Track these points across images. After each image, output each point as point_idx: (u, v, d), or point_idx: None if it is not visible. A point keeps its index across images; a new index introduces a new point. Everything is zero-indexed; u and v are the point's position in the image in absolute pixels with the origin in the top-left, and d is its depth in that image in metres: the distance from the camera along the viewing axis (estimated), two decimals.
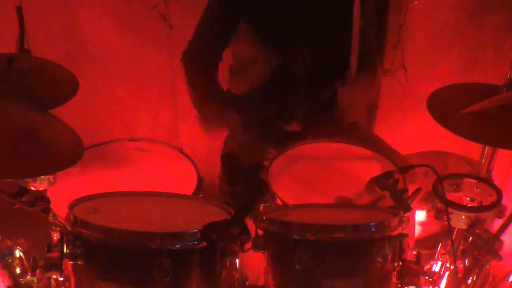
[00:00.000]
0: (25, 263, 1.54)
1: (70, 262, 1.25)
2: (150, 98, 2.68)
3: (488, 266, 1.53)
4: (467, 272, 1.58)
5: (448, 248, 1.75)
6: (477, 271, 1.56)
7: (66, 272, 1.30)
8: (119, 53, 2.53)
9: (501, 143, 1.61)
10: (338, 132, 2.01)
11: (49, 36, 2.46)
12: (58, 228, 1.53)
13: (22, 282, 1.53)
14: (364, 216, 1.41)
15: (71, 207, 1.29)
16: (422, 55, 2.52)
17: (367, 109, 2.55)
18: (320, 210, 1.43)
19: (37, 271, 1.36)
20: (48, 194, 1.58)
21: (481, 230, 1.52)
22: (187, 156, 1.81)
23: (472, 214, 1.54)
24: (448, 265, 1.76)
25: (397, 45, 2.46)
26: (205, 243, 1.22)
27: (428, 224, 2.31)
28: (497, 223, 1.56)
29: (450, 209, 1.51)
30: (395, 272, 1.33)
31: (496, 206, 1.56)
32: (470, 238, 1.54)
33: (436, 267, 1.79)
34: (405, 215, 1.37)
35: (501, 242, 1.49)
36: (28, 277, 1.54)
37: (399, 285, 1.35)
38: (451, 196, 1.60)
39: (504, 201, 1.57)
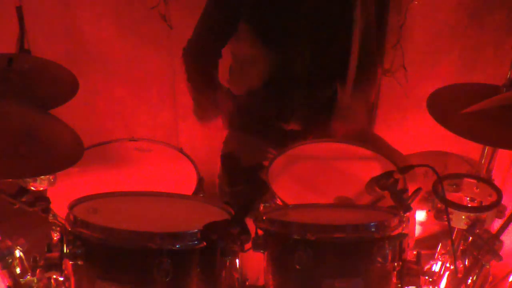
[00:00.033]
0: (25, 263, 1.54)
1: (70, 262, 1.25)
2: (150, 98, 2.68)
3: (488, 266, 1.53)
4: (467, 272, 1.58)
5: (448, 248, 1.75)
6: (477, 271, 1.56)
7: (66, 272, 1.30)
8: (119, 53, 2.53)
9: (501, 143, 1.61)
10: (338, 132, 2.02)
11: (49, 36, 2.46)
12: (58, 228, 1.53)
13: (22, 282, 1.53)
14: (364, 216, 1.41)
15: (71, 207, 1.29)
16: (422, 55, 2.52)
17: (367, 109, 2.55)
18: (320, 210, 1.43)
19: (37, 271, 1.35)
20: (48, 194, 1.58)
21: (481, 230, 1.52)
22: (187, 156, 1.81)
23: (472, 214, 1.54)
24: (448, 265, 1.76)
25: (397, 45, 2.46)
26: (205, 243, 1.22)
27: (428, 224, 2.30)
28: (497, 223, 1.56)
29: (450, 209, 1.51)
30: (395, 272, 1.33)
31: (496, 206, 1.56)
32: (470, 238, 1.54)
33: (436, 267, 1.79)
34: (405, 215, 1.37)
35: (501, 242, 1.49)
36: (28, 277, 1.54)
37: (399, 285, 1.35)
38: (451, 196, 1.60)
39: (504, 201, 1.57)
